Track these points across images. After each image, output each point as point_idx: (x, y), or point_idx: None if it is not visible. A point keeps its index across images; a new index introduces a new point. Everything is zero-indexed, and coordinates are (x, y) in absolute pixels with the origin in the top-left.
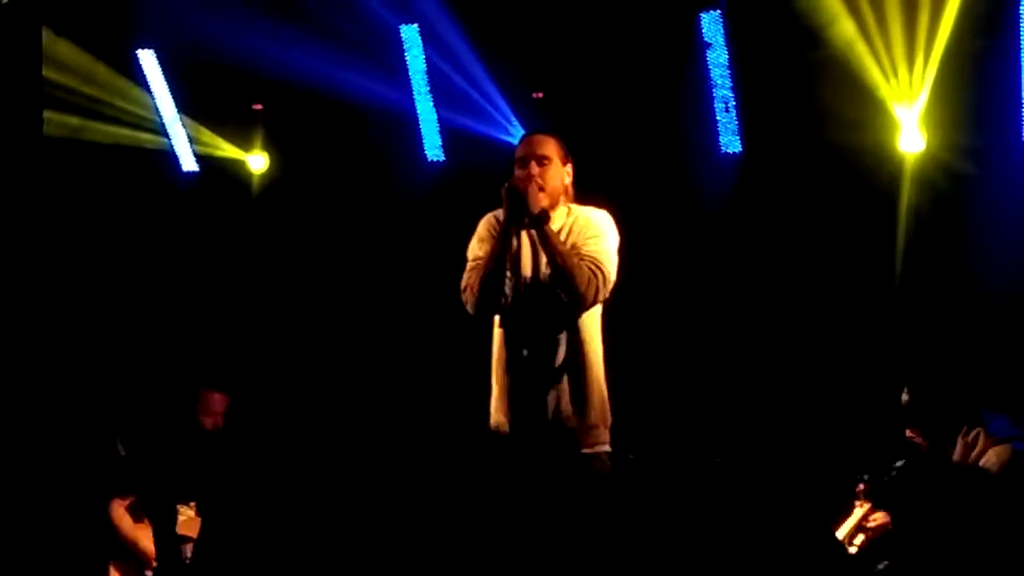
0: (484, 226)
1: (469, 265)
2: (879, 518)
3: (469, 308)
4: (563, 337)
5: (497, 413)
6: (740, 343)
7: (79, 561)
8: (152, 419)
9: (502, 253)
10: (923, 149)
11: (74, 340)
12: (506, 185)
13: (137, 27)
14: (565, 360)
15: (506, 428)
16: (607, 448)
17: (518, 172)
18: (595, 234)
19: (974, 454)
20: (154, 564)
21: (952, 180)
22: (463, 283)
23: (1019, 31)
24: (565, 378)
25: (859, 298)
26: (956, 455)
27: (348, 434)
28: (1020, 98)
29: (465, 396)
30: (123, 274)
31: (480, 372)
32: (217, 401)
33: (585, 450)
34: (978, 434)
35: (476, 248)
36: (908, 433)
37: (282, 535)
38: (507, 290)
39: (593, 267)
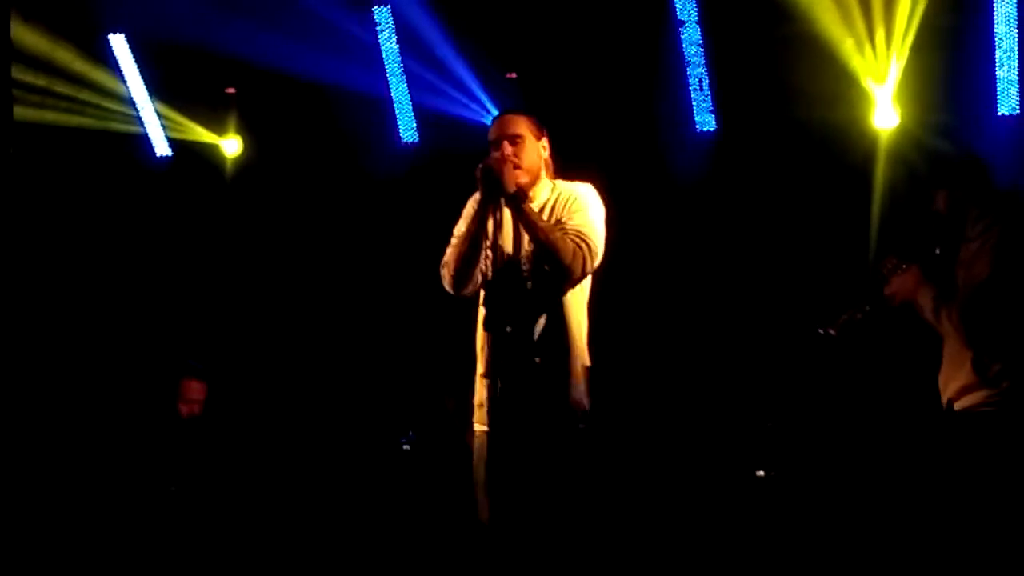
0: (471, 203)
1: (452, 241)
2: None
3: (445, 284)
4: (546, 313)
5: (480, 390)
6: (717, 322)
7: (60, 549)
8: (128, 406)
9: (478, 233)
10: (897, 125)
11: (48, 328)
12: (480, 166)
13: (108, 11)
14: (547, 338)
15: (486, 406)
16: (583, 425)
17: (492, 154)
18: (579, 208)
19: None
20: None
21: (926, 156)
22: (443, 259)
23: (991, 5)
24: (547, 356)
25: (835, 276)
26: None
27: (326, 418)
28: (993, 73)
29: (444, 376)
30: (97, 260)
31: (460, 352)
32: (195, 389)
33: (565, 425)
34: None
35: (460, 225)
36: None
37: (260, 524)
38: (484, 268)
39: (578, 240)
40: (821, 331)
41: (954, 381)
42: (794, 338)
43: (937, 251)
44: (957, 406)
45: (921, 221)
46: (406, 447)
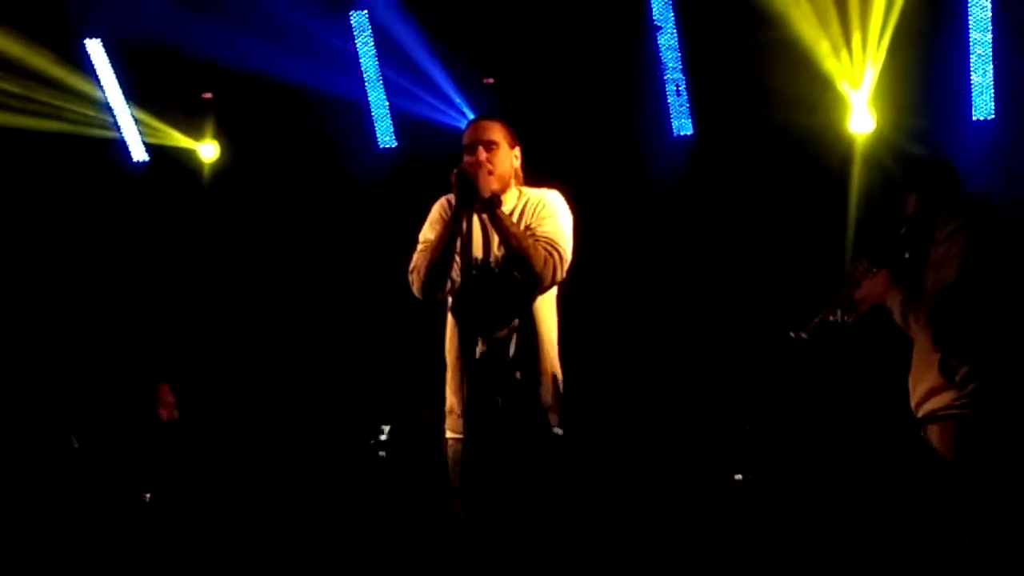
0: (437, 209)
1: (419, 247)
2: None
3: (415, 290)
4: (516, 320)
5: (451, 397)
6: (694, 325)
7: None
8: (106, 411)
9: (451, 238)
10: (873, 130)
11: (25, 332)
12: (455, 171)
13: (84, 16)
14: (518, 344)
15: (459, 412)
16: (558, 431)
17: (467, 158)
18: (548, 214)
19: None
20: None
21: (898, 160)
22: (411, 265)
23: (966, 10)
24: (518, 362)
25: (812, 279)
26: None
27: (304, 423)
28: (968, 78)
29: (419, 381)
30: (74, 265)
31: (433, 357)
32: (170, 392)
33: (538, 431)
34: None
35: (427, 231)
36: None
37: (239, 527)
38: (455, 275)
39: (549, 247)
40: (792, 335)
41: (922, 383)
42: (770, 341)
43: (907, 254)
44: (925, 408)
45: (892, 225)
46: (382, 453)
